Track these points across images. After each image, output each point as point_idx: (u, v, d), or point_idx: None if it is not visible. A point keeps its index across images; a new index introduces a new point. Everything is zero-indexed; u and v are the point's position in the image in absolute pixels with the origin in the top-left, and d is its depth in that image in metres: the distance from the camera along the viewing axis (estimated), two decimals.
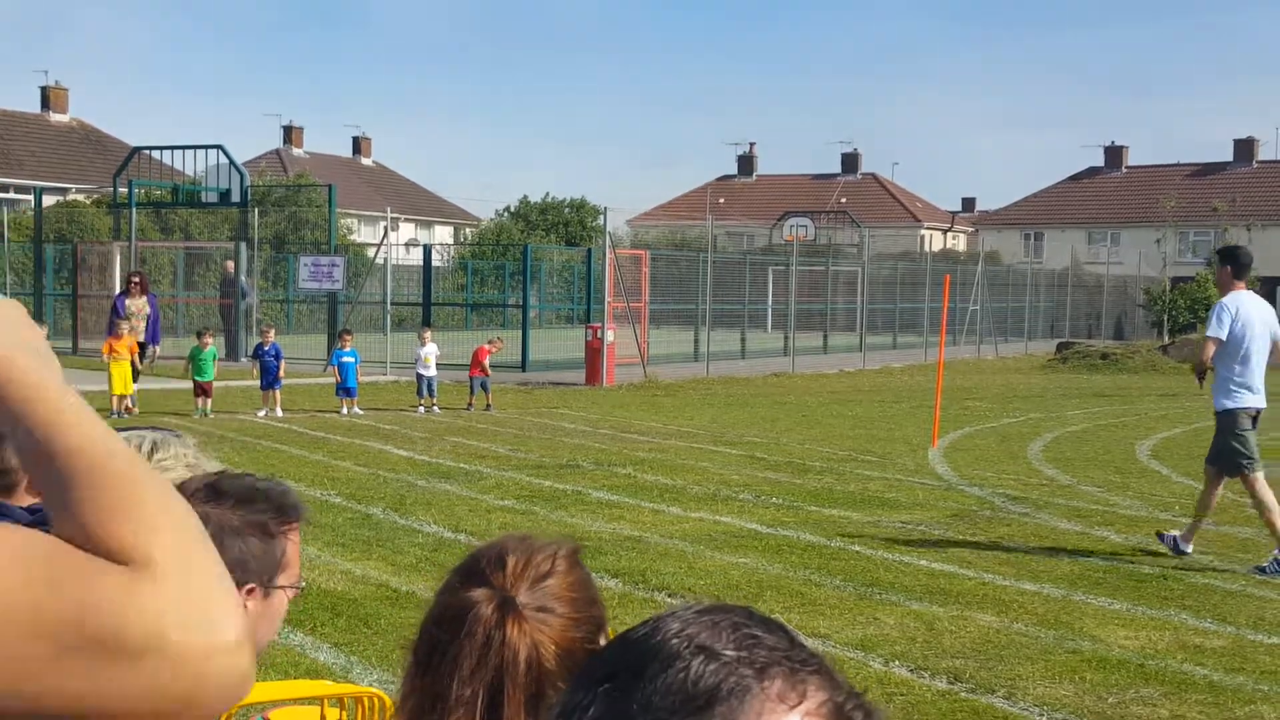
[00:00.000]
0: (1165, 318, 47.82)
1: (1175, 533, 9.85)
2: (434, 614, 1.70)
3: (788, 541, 9.93)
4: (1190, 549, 9.66)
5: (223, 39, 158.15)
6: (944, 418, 17.80)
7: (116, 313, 19.32)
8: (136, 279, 20.17)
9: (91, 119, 54.65)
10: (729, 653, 1.06)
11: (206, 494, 2.11)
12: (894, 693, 6.30)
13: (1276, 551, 9.18)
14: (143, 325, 18.85)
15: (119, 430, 2.53)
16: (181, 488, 2.15)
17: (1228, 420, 9.57)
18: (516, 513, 10.93)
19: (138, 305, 19.38)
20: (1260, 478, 9.41)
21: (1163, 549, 9.71)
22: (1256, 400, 9.55)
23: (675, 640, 1.07)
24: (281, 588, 2.17)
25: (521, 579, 1.69)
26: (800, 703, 1.04)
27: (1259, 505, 9.42)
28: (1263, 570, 9.17)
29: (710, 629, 1.08)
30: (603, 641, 1.73)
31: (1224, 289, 9.83)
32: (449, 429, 17.15)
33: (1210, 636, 7.43)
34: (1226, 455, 9.57)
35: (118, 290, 20.19)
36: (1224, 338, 9.49)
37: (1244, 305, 9.58)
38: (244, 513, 2.12)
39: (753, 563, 9.12)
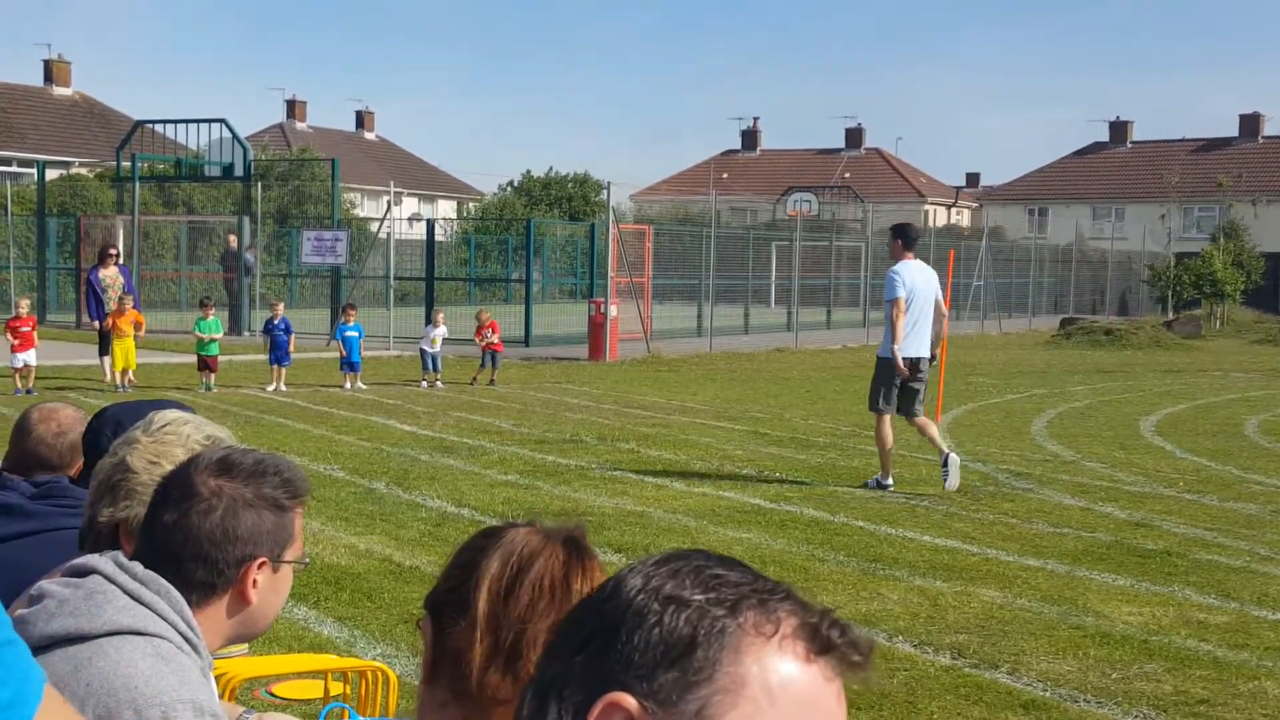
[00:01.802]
0: (1170, 293, 47.73)
1: (877, 475, 11.45)
2: (493, 557, 1.66)
3: (791, 517, 9.93)
4: (890, 481, 11.32)
5: (225, 12, 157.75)
6: (947, 394, 17.78)
7: (91, 286, 19.32)
8: (113, 251, 20.20)
9: (94, 92, 54.51)
10: (697, 597, 1.06)
11: (217, 468, 2.11)
12: (897, 668, 6.29)
13: (879, 476, 11.36)
14: (118, 297, 18.87)
15: (126, 404, 2.53)
16: (194, 462, 2.14)
17: (887, 365, 11.33)
18: (520, 487, 10.92)
19: (111, 276, 19.37)
20: (887, 420, 11.28)
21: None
22: (917, 352, 11.28)
23: (641, 596, 1.07)
24: (289, 562, 2.18)
25: (561, 534, 1.70)
26: (776, 631, 1.05)
27: (879, 439, 11.35)
28: (866, 485, 11.33)
29: (673, 578, 1.08)
30: None
31: (896, 258, 11.52)
32: (452, 404, 17.15)
33: (1214, 612, 7.43)
34: (873, 393, 11.47)
35: (122, 264, 20.17)
36: (902, 296, 11.18)
37: (911, 272, 11.33)
38: (256, 486, 2.12)
39: (756, 538, 9.12)
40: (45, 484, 3.05)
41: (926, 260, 12.48)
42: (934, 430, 11.43)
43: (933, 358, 11.70)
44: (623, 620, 1.06)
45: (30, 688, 1.15)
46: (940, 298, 11.57)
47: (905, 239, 11.51)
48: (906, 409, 11.40)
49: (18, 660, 1.14)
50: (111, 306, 18.61)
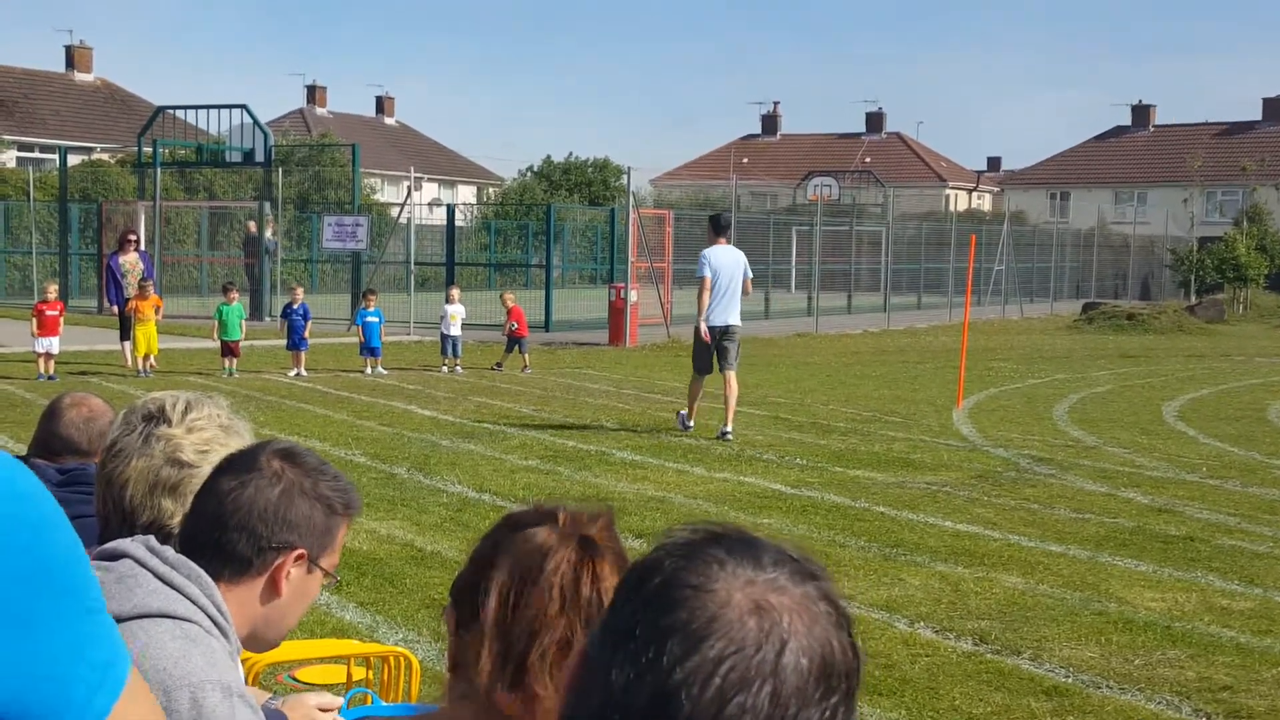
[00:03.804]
0: (1192, 278, 47.51)
1: (683, 412, 13.52)
2: (504, 560, 1.64)
3: (812, 502, 9.92)
4: (692, 424, 13.30)
5: None
6: (969, 378, 17.74)
7: (111, 272, 19.39)
8: (133, 236, 20.27)
9: (116, 78, 54.62)
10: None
11: (283, 454, 2.14)
12: (919, 654, 6.29)
13: (683, 415, 13.48)
14: (138, 281, 18.97)
15: (155, 392, 2.53)
16: (263, 445, 2.16)
17: (698, 334, 13.36)
18: (540, 473, 10.93)
19: (131, 262, 19.44)
20: (701, 380, 13.38)
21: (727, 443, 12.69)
22: (724, 321, 13.22)
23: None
24: (322, 570, 2.18)
25: (581, 526, 1.68)
26: None
27: (691, 391, 13.49)
28: (679, 422, 13.46)
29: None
30: None
31: (710, 242, 13.56)
32: (473, 389, 17.17)
33: (1237, 598, 7.40)
34: (694, 357, 13.51)
35: (143, 249, 20.20)
36: (708, 276, 13.16)
37: (717, 254, 13.33)
38: (314, 481, 2.14)
39: (777, 523, 9.11)
40: (72, 471, 3.06)
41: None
42: (734, 395, 13.16)
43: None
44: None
45: (123, 658, 1.21)
46: (748, 277, 13.57)
47: (716, 227, 13.69)
48: (722, 365, 13.29)
49: (112, 629, 1.21)
50: (131, 292, 18.68)
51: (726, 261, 13.30)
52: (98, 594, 1.21)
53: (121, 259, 19.44)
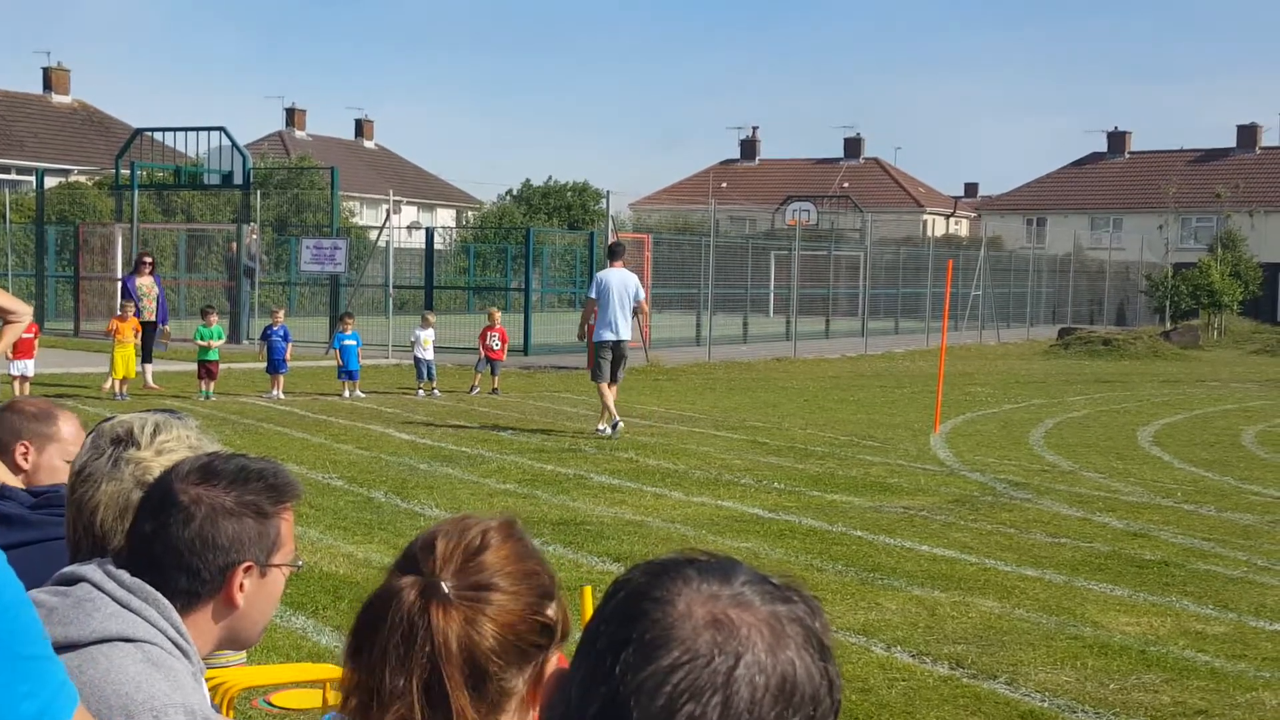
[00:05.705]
0: (1167, 304, 47.72)
1: (602, 425, 14.79)
2: (363, 603, 1.66)
3: (789, 526, 9.93)
4: (607, 429, 14.63)
5: (225, 20, 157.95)
6: (946, 403, 17.79)
7: (127, 293, 19.32)
8: (149, 259, 20.21)
9: (94, 100, 54.44)
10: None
11: (200, 475, 2.09)
12: (895, 678, 6.30)
13: (603, 425, 14.74)
14: (154, 305, 18.91)
15: (123, 414, 2.53)
16: (175, 470, 2.13)
17: (596, 347, 14.98)
18: (518, 496, 10.92)
19: (148, 285, 19.39)
20: (604, 386, 14.83)
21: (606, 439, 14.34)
22: (613, 336, 14.86)
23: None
24: (278, 566, 2.15)
25: (450, 562, 1.64)
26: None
27: (601, 397, 14.92)
28: (597, 432, 14.69)
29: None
30: (551, 610, 1.67)
31: (609, 265, 15.31)
32: (451, 412, 17.15)
33: (1212, 623, 7.43)
34: (594, 368, 15.06)
35: (121, 271, 20.07)
36: (595, 296, 15.01)
37: (608, 277, 15.06)
38: (238, 493, 2.09)
39: (754, 547, 9.12)
40: (44, 494, 3.05)
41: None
42: (612, 398, 14.84)
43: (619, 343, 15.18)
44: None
45: (61, 703, 1.15)
46: (641, 298, 15.38)
47: (611, 253, 15.63)
48: (612, 376, 14.88)
49: (51, 675, 1.15)
50: (147, 315, 18.65)
51: (615, 282, 14.97)
52: (31, 638, 1.16)
53: (138, 281, 19.38)
